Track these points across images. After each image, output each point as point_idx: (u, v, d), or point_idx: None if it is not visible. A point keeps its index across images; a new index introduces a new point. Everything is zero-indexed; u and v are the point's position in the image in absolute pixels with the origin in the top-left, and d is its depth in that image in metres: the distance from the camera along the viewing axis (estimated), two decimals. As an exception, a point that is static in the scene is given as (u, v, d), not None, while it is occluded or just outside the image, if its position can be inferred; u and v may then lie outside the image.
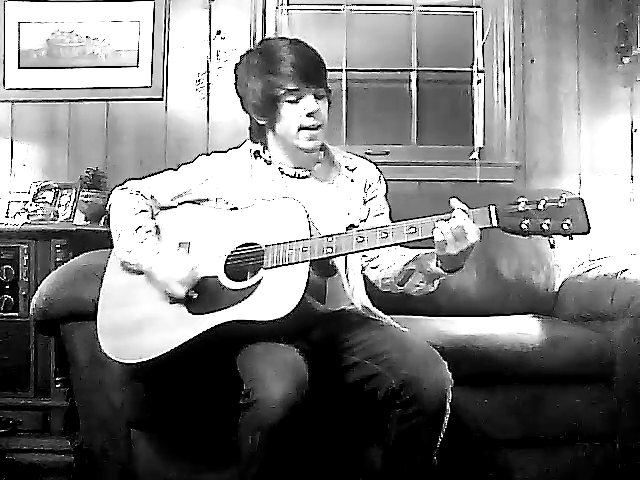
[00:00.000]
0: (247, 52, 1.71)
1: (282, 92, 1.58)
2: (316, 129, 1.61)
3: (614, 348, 1.84)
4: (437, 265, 1.48)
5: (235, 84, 1.70)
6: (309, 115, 1.59)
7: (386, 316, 1.69)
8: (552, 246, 1.35)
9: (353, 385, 1.54)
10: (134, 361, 1.47)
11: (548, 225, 1.32)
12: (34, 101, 2.81)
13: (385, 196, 1.80)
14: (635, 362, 1.81)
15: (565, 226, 1.31)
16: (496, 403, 1.79)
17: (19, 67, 2.83)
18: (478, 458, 1.79)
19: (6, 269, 2.26)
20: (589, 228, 1.32)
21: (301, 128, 1.60)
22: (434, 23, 2.98)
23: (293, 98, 1.59)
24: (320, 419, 1.64)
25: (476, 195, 2.57)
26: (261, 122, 1.67)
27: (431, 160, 2.82)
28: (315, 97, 1.60)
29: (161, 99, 2.81)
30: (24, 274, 2.26)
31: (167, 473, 1.72)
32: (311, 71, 1.60)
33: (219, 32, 2.82)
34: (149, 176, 1.75)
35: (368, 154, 2.79)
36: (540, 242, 2.40)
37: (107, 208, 1.71)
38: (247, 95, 1.66)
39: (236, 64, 1.71)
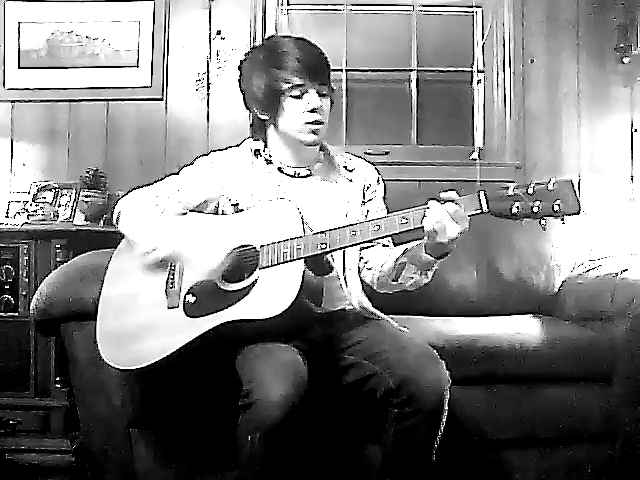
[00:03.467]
0: (252, 49, 1.73)
1: (286, 86, 1.59)
2: (318, 124, 1.62)
3: (614, 348, 1.84)
4: (426, 252, 1.48)
5: (239, 80, 1.71)
6: (312, 111, 1.60)
7: (385, 316, 1.69)
8: (544, 228, 1.33)
9: (352, 385, 1.54)
10: (134, 367, 1.47)
11: (539, 207, 1.31)
12: (34, 101, 2.81)
13: (383, 198, 1.80)
14: (635, 362, 1.82)
15: (556, 207, 1.31)
16: (496, 403, 1.79)
17: (19, 67, 2.83)
18: (478, 458, 1.79)
19: (6, 269, 2.26)
20: (580, 208, 1.31)
21: (304, 123, 1.61)
22: (434, 23, 2.98)
23: (297, 93, 1.59)
24: (319, 419, 1.64)
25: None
26: (263, 117, 1.67)
27: (431, 160, 2.82)
28: (318, 94, 1.61)
29: (161, 99, 2.81)
30: (24, 274, 2.25)
31: (167, 473, 1.72)
32: (316, 67, 1.61)
33: (219, 32, 2.82)
34: (152, 181, 1.74)
35: (368, 154, 2.80)
36: (540, 242, 2.43)
37: (116, 217, 1.68)
38: (250, 90, 1.66)
39: (241, 61, 1.72)
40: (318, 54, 1.64)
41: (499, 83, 2.86)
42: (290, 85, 1.59)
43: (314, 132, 1.62)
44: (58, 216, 2.52)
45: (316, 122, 1.61)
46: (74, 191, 2.58)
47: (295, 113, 1.61)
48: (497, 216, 1.36)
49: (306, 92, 1.60)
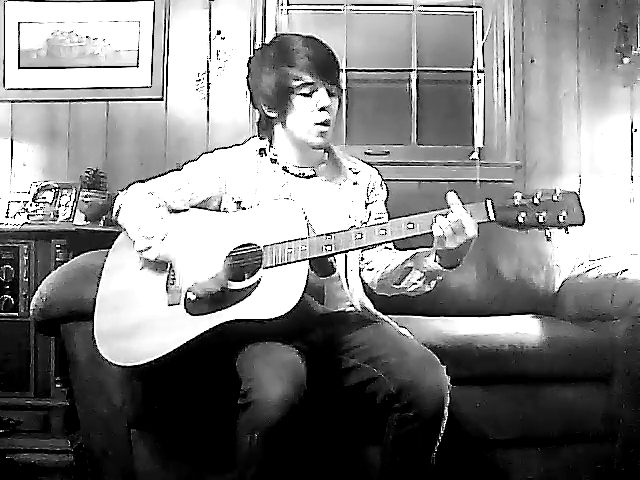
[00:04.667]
0: (262, 46, 1.73)
1: (296, 84, 1.58)
2: (326, 125, 1.61)
3: (614, 348, 1.84)
4: (435, 261, 1.49)
5: (247, 77, 1.71)
6: (321, 109, 1.60)
7: (386, 317, 1.69)
8: (548, 239, 1.36)
9: (352, 388, 1.54)
10: (134, 364, 1.46)
11: (544, 218, 1.33)
12: (34, 101, 2.81)
13: (385, 203, 1.80)
14: (635, 362, 1.82)
15: (561, 218, 1.33)
16: (496, 403, 1.79)
17: (19, 67, 2.83)
18: (478, 458, 1.79)
19: (6, 269, 2.26)
20: (584, 219, 1.33)
21: (312, 123, 1.60)
22: (434, 23, 2.98)
23: (307, 91, 1.59)
24: (318, 420, 1.64)
25: (476, 195, 2.57)
26: (271, 114, 1.66)
27: (431, 160, 2.82)
28: (328, 93, 1.60)
29: (161, 99, 2.81)
30: (24, 274, 2.25)
31: (167, 473, 1.72)
32: (327, 66, 1.61)
33: (219, 32, 2.82)
34: (151, 178, 1.73)
35: (368, 154, 2.80)
36: (540, 242, 2.43)
37: (116, 210, 1.68)
38: (259, 86, 1.65)
39: (250, 58, 1.72)
40: (328, 53, 1.64)
41: (499, 83, 2.86)
42: (300, 83, 1.58)
43: (321, 135, 1.62)
44: (58, 216, 2.52)
45: (325, 122, 1.61)
46: (74, 191, 2.58)
47: (304, 111, 1.60)
48: (503, 225, 1.37)
49: (316, 90, 1.59)
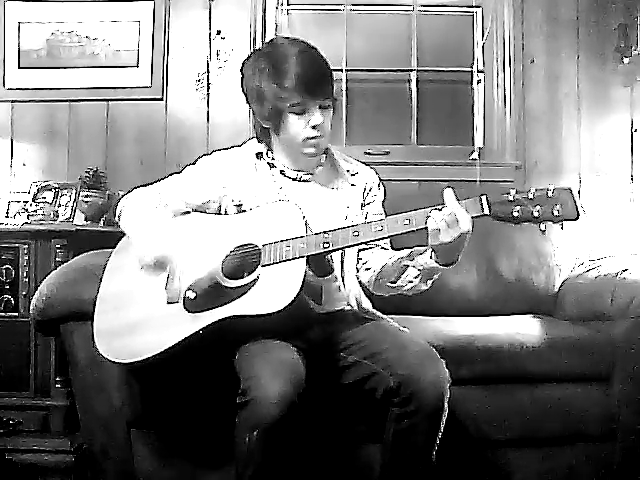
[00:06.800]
0: (255, 51, 1.71)
1: (287, 105, 1.58)
2: (319, 138, 1.62)
3: (614, 348, 1.84)
4: (431, 258, 1.49)
5: (241, 81, 1.70)
6: (314, 127, 1.60)
7: (384, 316, 1.69)
8: (543, 232, 1.36)
9: (352, 385, 1.54)
10: (132, 360, 1.47)
11: (539, 212, 1.34)
12: (34, 101, 2.81)
13: (382, 203, 1.80)
14: (635, 362, 1.82)
15: (555, 212, 1.33)
16: (496, 403, 1.79)
17: (19, 67, 2.83)
18: (478, 458, 1.79)
19: (6, 269, 2.26)
20: (578, 214, 1.34)
21: (305, 138, 1.61)
22: (434, 23, 2.98)
23: (298, 110, 1.59)
24: (318, 418, 1.64)
25: (476, 195, 2.57)
26: (265, 125, 1.67)
27: (431, 160, 2.82)
28: (320, 107, 1.60)
29: (161, 99, 2.81)
30: (24, 274, 2.25)
31: (167, 473, 1.72)
32: (317, 84, 1.59)
33: (219, 32, 2.82)
34: (151, 179, 1.74)
35: (368, 154, 2.80)
36: (540, 242, 2.43)
37: (118, 214, 1.69)
38: (252, 97, 1.66)
39: (243, 62, 1.70)
40: (320, 68, 1.61)
41: (499, 83, 2.86)
42: (291, 103, 1.57)
43: (315, 146, 1.63)
44: (58, 216, 2.51)
45: (317, 136, 1.61)
46: (74, 191, 2.58)
47: (296, 129, 1.60)
48: (498, 220, 1.38)
49: (307, 109, 1.59)
